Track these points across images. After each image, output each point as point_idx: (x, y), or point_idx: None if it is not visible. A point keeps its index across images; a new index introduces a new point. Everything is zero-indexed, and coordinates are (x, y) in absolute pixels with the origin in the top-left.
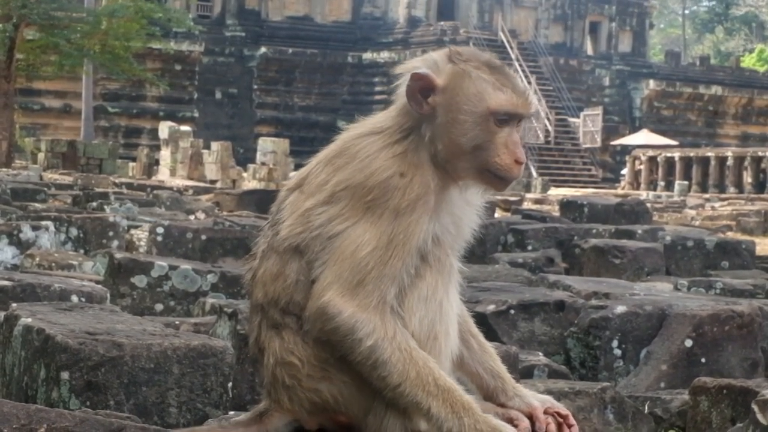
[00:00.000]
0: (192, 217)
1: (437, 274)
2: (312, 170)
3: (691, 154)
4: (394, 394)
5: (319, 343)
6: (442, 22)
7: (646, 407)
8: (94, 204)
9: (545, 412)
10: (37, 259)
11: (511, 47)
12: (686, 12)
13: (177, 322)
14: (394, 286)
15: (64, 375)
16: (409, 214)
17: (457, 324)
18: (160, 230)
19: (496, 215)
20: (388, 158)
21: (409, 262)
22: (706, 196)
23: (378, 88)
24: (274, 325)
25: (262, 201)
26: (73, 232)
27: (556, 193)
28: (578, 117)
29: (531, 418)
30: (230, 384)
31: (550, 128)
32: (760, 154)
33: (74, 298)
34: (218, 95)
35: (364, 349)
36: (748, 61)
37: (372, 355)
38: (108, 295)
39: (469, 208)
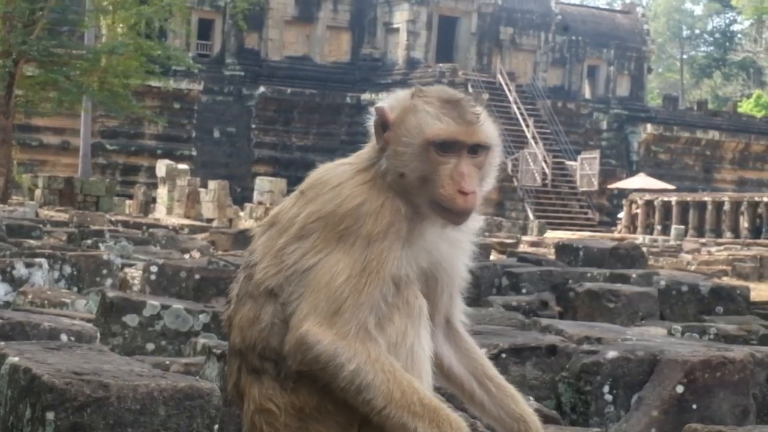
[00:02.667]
0: (187, 256)
1: (406, 317)
2: (285, 205)
3: (688, 199)
4: (380, 417)
5: (296, 390)
6: (440, 64)
7: None
8: (89, 242)
9: None
10: (30, 296)
11: (510, 90)
12: (684, 57)
13: (168, 362)
14: (373, 315)
15: (50, 415)
16: (381, 240)
17: (468, 365)
18: (154, 269)
19: (492, 257)
20: (357, 185)
21: (386, 290)
22: (703, 240)
23: None
24: (254, 370)
25: (250, 245)
26: (67, 269)
27: (553, 235)
28: (575, 160)
29: None
30: (216, 426)
31: (547, 171)
32: (756, 199)
33: (63, 337)
34: (216, 134)
35: (347, 374)
36: (746, 107)
37: (355, 379)
38: (98, 334)
39: (452, 248)
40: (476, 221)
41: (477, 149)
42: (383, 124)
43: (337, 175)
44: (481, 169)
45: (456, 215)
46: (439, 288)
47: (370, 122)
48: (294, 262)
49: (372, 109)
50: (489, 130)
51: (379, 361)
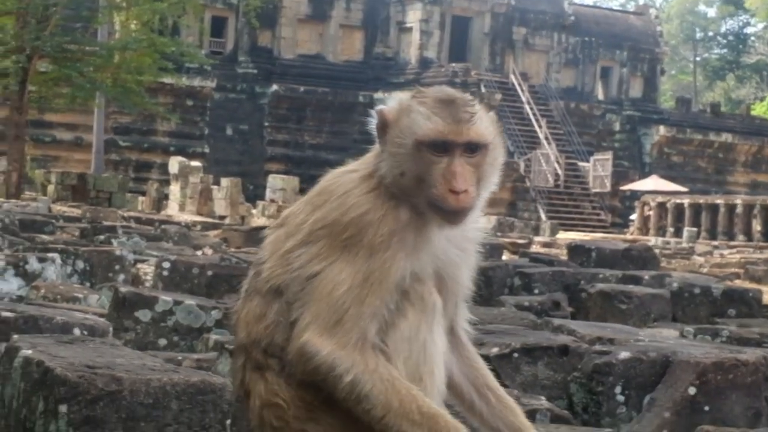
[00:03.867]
0: (199, 253)
1: (420, 312)
2: (295, 209)
3: (701, 201)
4: (381, 426)
5: (302, 384)
6: (453, 64)
7: None
8: (102, 237)
9: None
10: (43, 291)
11: (522, 90)
12: (697, 59)
13: (179, 358)
14: (374, 324)
15: (63, 408)
16: (384, 250)
17: (469, 374)
18: (166, 265)
19: (504, 257)
20: (362, 194)
21: (388, 299)
22: (715, 243)
23: None
24: (258, 367)
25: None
26: (80, 264)
27: (565, 237)
28: (588, 161)
29: None
30: (229, 421)
31: (560, 172)
32: None
33: (76, 331)
34: (229, 131)
35: (346, 385)
36: (759, 109)
37: (354, 389)
38: (111, 328)
39: (459, 255)
40: (480, 227)
41: (472, 148)
42: (383, 127)
43: (344, 183)
44: (479, 168)
45: (450, 214)
46: (444, 294)
47: (372, 125)
48: (300, 266)
49: (373, 112)
50: (484, 128)
51: (378, 371)
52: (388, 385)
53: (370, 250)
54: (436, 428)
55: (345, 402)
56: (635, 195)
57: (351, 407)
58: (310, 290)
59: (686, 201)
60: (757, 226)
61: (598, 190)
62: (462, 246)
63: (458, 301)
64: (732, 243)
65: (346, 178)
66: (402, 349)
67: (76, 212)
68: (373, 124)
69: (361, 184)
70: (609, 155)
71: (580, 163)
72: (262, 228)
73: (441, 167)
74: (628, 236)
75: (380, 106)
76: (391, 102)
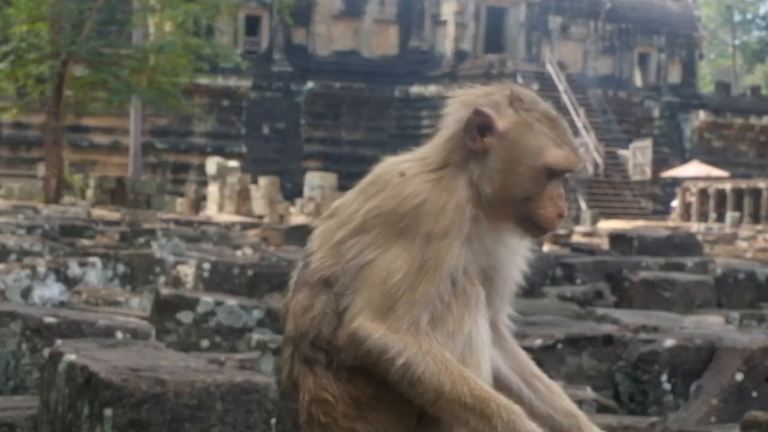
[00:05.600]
0: (239, 253)
1: (463, 306)
2: (346, 200)
3: (743, 186)
4: (434, 410)
5: (352, 380)
6: (489, 55)
7: None
8: (142, 240)
9: None
10: (84, 295)
11: (559, 79)
12: (736, 42)
13: (222, 358)
14: (427, 312)
15: (108, 412)
16: (441, 239)
17: (514, 365)
18: (206, 266)
19: (545, 248)
20: (421, 183)
21: (442, 288)
22: (759, 227)
23: (425, 122)
24: (306, 360)
25: (309, 236)
26: (120, 268)
27: (606, 225)
28: (628, 149)
29: None
30: (273, 420)
31: (599, 160)
32: None
33: (119, 335)
34: (266, 130)
35: (398, 368)
36: None
37: (407, 373)
38: (153, 331)
39: (509, 253)
40: None
41: None
42: (481, 127)
43: (399, 172)
44: None
45: (544, 233)
46: (493, 291)
47: (455, 117)
48: (353, 256)
49: (459, 105)
50: None
51: (431, 353)
52: (441, 366)
53: (427, 237)
54: (487, 412)
55: (398, 386)
56: (676, 182)
57: (404, 391)
58: (363, 278)
59: (728, 186)
60: None
61: (638, 177)
62: (512, 245)
63: (504, 298)
64: None
65: (402, 167)
66: (446, 343)
67: (115, 216)
68: (454, 115)
69: (420, 174)
70: (648, 142)
71: (620, 151)
72: (302, 226)
73: (550, 189)
74: (670, 223)
75: (483, 107)
76: (484, 101)
